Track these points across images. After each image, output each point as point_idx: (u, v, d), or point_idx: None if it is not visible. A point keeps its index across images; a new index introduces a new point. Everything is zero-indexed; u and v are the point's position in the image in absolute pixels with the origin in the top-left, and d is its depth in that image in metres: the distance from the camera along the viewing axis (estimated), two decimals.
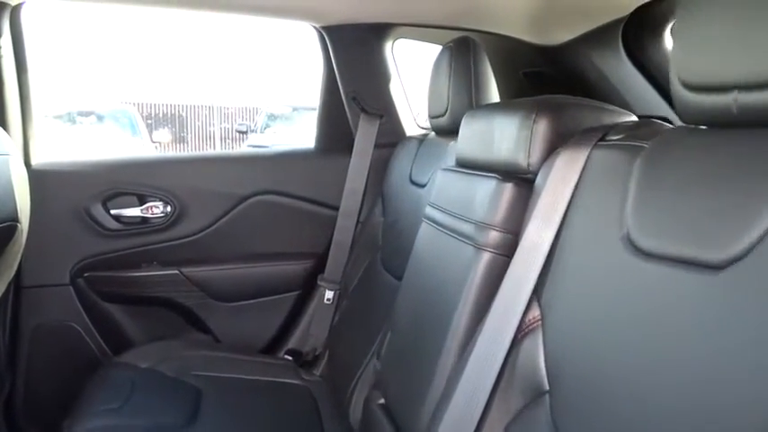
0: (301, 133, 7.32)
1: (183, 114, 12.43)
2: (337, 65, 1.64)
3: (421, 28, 1.63)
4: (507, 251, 0.78)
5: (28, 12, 1.46)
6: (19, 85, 1.46)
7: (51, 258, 1.55)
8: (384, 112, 1.65)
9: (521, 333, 0.68)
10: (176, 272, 1.60)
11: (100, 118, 7.33)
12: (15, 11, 1.43)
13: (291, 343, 1.65)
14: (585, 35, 1.52)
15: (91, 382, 1.35)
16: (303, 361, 1.59)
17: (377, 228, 1.52)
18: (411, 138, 1.54)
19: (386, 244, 1.44)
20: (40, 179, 1.52)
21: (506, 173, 0.83)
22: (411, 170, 1.40)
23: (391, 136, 1.64)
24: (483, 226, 0.81)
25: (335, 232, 1.61)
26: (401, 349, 1.00)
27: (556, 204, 0.70)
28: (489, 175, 0.85)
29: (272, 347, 1.66)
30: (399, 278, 1.27)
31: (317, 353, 1.59)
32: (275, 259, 1.65)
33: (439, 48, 1.36)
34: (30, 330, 1.55)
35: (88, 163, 1.61)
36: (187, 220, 1.61)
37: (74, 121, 7.25)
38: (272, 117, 8.54)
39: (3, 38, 1.39)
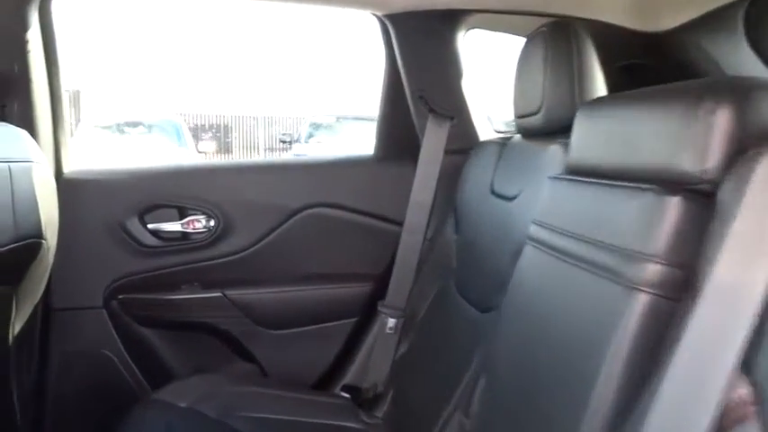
0: (345, 143, 7.19)
1: (229, 124, 12.52)
2: (402, 59, 1.44)
3: (499, 15, 1.42)
4: (674, 292, 0.55)
5: (59, 5, 1.31)
6: (49, 83, 1.30)
7: (83, 278, 1.39)
8: (455, 113, 1.43)
9: (727, 419, 0.45)
10: (220, 294, 1.42)
11: (148, 128, 7.37)
12: (45, 3, 1.28)
13: (348, 378, 1.44)
14: (698, 20, 1.29)
15: (124, 424, 1.17)
16: (362, 399, 1.38)
17: (449, 247, 1.30)
18: (489, 142, 1.32)
19: (462, 267, 1.22)
20: (72, 190, 1.37)
21: (664, 182, 0.60)
22: (493, 180, 1.18)
23: (463, 140, 1.42)
24: (636, 256, 0.58)
25: (399, 251, 1.40)
26: (506, 406, 0.78)
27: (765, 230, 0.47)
28: (639, 186, 0.62)
29: (325, 382, 1.46)
30: (483, 310, 1.05)
31: (377, 390, 1.37)
32: (330, 281, 1.46)
33: (518, 39, 1.15)
34: (58, 357, 1.39)
35: (124, 172, 1.44)
36: (232, 237, 1.43)
37: (122, 132, 7.30)
38: (315, 126, 8.43)
39: (31, 31, 1.24)
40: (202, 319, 1.42)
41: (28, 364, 1.31)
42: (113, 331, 1.41)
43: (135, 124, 7.37)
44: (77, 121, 7.79)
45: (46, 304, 1.37)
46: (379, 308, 1.41)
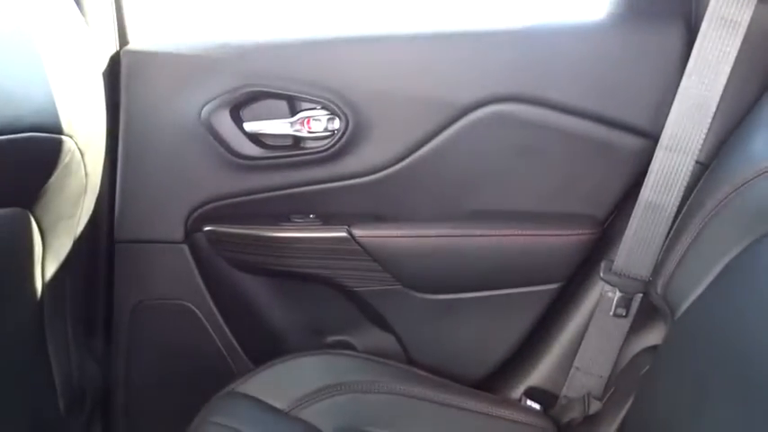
0: None
1: None
2: None
3: None
4: None
5: None
6: None
7: (155, 200, 0.96)
8: None
9: None
10: (345, 234, 0.92)
11: None
12: None
13: (536, 378, 0.92)
14: None
15: (202, 420, 0.77)
16: (564, 417, 0.85)
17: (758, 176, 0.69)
18: None
19: None
20: (135, 71, 0.92)
21: None
22: None
23: None
24: None
25: (647, 182, 0.81)
26: None
27: None
28: None
29: (498, 380, 0.95)
30: None
31: (589, 407, 0.84)
32: (516, 224, 0.90)
33: None
34: (130, 308, 1.00)
35: (210, 46, 0.94)
36: (366, 147, 0.91)
37: None
38: None
39: None
40: (317, 269, 0.95)
41: (81, 320, 0.93)
42: (196, 275, 0.98)
43: None
44: None
45: (107, 237, 0.97)
46: (602, 274, 0.84)
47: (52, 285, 0.80)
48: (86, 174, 0.77)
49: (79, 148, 0.73)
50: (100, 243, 0.97)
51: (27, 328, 0.79)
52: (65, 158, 0.70)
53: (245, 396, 0.81)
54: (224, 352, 1.01)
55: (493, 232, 0.90)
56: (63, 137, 0.69)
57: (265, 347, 1.00)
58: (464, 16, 0.93)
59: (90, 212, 0.83)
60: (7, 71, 0.65)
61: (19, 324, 0.78)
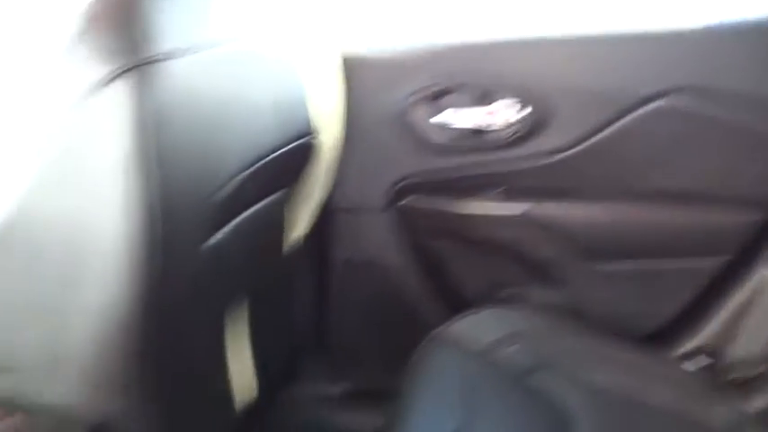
0: None
1: None
2: None
3: None
4: None
5: None
6: None
7: (364, 175, 1.16)
8: None
9: None
10: (528, 209, 1.07)
11: None
12: None
13: (697, 340, 1.03)
14: None
15: (414, 362, 0.95)
16: (725, 372, 0.96)
17: None
18: None
19: None
20: (352, 73, 1.11)
21: None
22: None
23: None
24: None
25: None
26: None
27: None
28: None
29: (663, 341, 1.07)
30: None
31: (756, 368, 0.94)
32: (687, 201, 1.01)
33: None
34: (340, 265, 1.21)
35: (409, 50, 1.11)
36: (549, 131, 1.04)
37: None
38: None
39: None
40: (502, 239, 1.11)
41: (308, 272, 1.16)
42: (397, 240, 1.18)
43: None
44: None
45: (326, 206, 1.18)
46: None
47: (294, 248, 1.03)
48: (323, 159, 0.97)
49: (323, 142, 0.93)
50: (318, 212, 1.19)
51: (283, 279, 1.03)
52: (317, 151, 0.91)
53: (447, 341, 0.99)
54: (419, 307, 1.20)
55: (659, 208, 1.00)
56: (316, 136, 0.89)
57: (454, 304, 1.18)
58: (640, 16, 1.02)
59: (322, 189, 1.05)
60: (287, 93, 0.85)
61: (278, 276, 1.01)
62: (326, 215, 1.19)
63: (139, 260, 0.61)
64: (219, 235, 0.74)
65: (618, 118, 1.00)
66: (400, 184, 1.14)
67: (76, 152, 0.58)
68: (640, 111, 0.99)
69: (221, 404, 0.82)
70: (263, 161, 0.81)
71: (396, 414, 0.84)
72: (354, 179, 1.16)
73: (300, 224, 1.05)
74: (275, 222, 0.96)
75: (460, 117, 1.08)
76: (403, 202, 1.15)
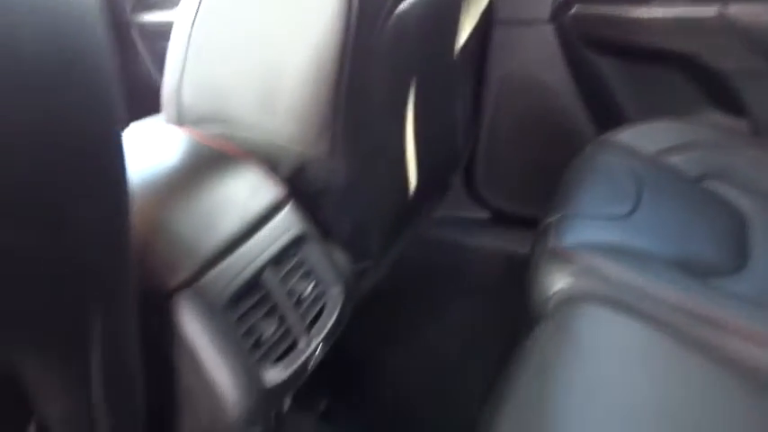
0: None
1: None
2: None
3: None
4: None
5: None
6: None
7: None
8: None
9: None
10: (715, 13, 0.98)
11: None
12: None
13: None
14: None
15: (576, 165, 0.95)
16: None
17: None
18: None
19: None
20: None
21: None
22: None
23: None
24: None
25: None
26: None
27: None
28: None
29: None
30: None
31: None
32: None
33: None
34: (497, 80, 1.20)
35: None
36: None
37: None
38: None
39: None
40: (681, 48, 1.03)
41: (467, 83, 1.16)
42: (560, 54, 1.14)
43: None
44: None
45: (487, 17, 1.15)
46: None
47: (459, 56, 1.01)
48: None
49: None
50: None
51: (448, 81, 1.03)
52: None
53: (616, 145, 0.97)
54: (573, 119, 1.17)
55: None
56: None
57: (611, 126, 1.13)
58: None
59: None
60: None
61: (444, 75, 1.01)
62: (487, 27, 1.17)
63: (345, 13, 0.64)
64: (403, 5, 0.75)
65: None
66: None
67: None
68: None
69: (398, 175, 0.86)
70: None
71: (562, 198, 0.85)
72: None
73: (463, 33, 1.03)
74: (451, 15, 0.95)
75: None
76: (571, 13, 1.09)
